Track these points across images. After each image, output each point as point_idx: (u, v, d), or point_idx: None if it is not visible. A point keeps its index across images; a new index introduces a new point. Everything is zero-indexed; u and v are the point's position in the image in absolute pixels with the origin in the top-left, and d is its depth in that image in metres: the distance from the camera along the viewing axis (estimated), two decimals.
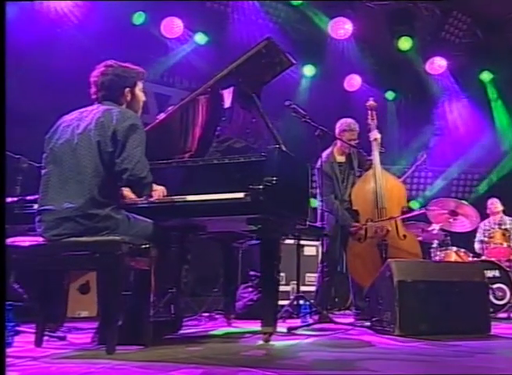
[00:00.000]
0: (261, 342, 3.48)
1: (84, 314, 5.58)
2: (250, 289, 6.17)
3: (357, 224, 5.47)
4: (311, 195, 6.31)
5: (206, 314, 5.53)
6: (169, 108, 4.35)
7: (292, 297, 5.57)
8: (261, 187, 3.34)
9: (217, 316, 5.38)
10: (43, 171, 3.29)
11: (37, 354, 2.94)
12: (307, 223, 5.19)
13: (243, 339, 3.81)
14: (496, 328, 4.36)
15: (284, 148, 4.00)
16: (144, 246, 3.15)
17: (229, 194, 3.41)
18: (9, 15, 6.97)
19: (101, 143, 3.17)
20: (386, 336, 3.90)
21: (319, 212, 5.70)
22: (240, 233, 4.38)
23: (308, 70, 9.67)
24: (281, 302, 5.62)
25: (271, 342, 3.48)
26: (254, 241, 4.75)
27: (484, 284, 4.18)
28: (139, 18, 8.50)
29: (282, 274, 6.51)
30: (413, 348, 3.40)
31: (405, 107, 10.35)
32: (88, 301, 5.49)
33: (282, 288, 6.41)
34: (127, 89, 3.43)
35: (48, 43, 7.32)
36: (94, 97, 3.43)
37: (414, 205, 9.32)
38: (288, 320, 5.17)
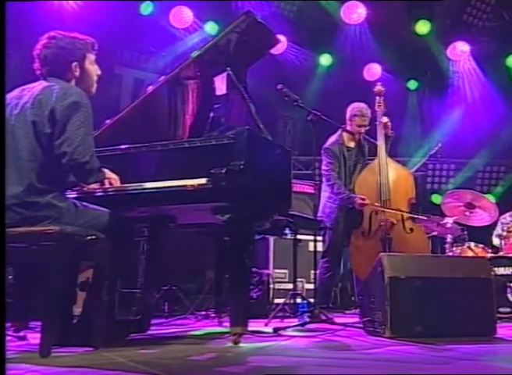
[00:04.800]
0: (230, 344, 3.15)
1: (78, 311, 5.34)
2: (251, 287, 5.82)
3: (363, 196, 5.09)
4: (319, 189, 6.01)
5: (203, 313, 5.27)
6: (161, 79, 4.06)
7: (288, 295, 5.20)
8: (223, 171, 2.99)
9: (213, 315, 5.08)
10: None
11: None
12: (303, 215, 4.94)
13: (216, 340, 3.48)
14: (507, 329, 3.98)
15: (265, 132, 3.67)
16: (90, 237, 2.84)
17: (192, 180, 3.07)
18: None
19: (36, 123, 2.87)
20: (376, 338, 3.52)
21: (321, 201, 5.39)
22: None
23: (325, 59, 9.31)
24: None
25: (240, 344, 3.13)
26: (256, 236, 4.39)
27: (489, 281, 3.71)
28: (147, 8, 8.32)
29: (285, 271, 6.21)
30: (397, 352, 3.00)
31: (429, 97, 9.83)
32: None
33: (285, 286, 6.11)
34: (74, 63, 3.09)
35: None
36: (38, 72, 3.11)
37: (437, 199, 8.85)
38: (286, 320, 4.84)
